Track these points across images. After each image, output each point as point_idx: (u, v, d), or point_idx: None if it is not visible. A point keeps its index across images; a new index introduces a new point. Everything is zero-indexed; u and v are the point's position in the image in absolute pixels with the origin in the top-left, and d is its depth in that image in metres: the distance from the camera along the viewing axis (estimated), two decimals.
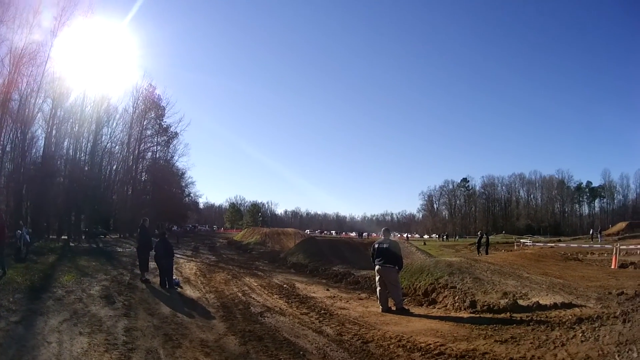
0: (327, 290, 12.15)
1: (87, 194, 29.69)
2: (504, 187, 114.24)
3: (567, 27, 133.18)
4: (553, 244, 35.26)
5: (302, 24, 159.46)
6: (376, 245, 9.63)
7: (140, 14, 49.79)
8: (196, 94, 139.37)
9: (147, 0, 52.90)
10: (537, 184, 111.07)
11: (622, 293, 9.11)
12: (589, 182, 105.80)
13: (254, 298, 10.38)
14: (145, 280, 12.30)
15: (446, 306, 9.30)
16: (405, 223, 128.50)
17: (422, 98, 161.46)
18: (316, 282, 14.08)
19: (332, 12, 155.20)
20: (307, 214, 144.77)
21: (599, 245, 28.92)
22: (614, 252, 17.96)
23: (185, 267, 17.40)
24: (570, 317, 7.10)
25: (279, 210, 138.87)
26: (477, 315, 8.26)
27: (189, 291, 11.38)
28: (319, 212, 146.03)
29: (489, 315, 8.10)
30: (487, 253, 26.04)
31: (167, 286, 11.61)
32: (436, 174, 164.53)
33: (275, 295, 10.82)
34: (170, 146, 46.72)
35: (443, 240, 71.62)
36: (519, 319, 7.46)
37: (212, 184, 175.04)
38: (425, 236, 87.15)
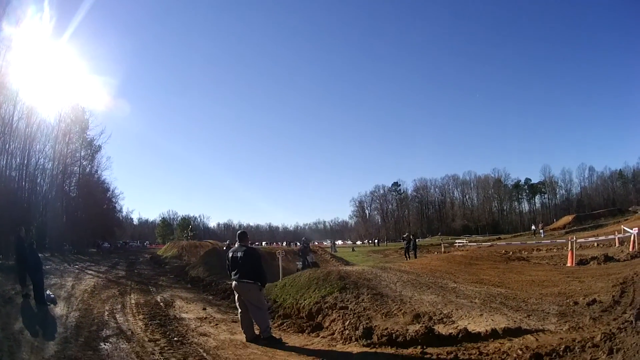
0: (204, 309, 11.11)
1: (13, 211, 28.57)
2: (437, 189, 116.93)
3: (494, 26, 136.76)
4: (491, 243, 34.24)
5: (232, 31, 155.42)
6: (230, 254, 7.87)
7: (79, 30, 46.72)
8: (127, 109, 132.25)
9: (87, 15, 51.75)
10: (472, 184, 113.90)
11: (595, 302, 7.14)
12: (527, 179, 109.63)
13: (115, 318, 9.72)
14: (25, 295, 11.79)
15: (333, 334, 7.34)
16: (338, 230, 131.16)
17: (349, 102, 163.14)
18: (201, 298, 13.26)
19: (265, 20, 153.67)
20: (240, 225, 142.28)
21: (549, 241, 27.69)
22: (570, 246, 15.78)
23: (84, 283, 16.77)
24: (519, 352, 4.84)
25: (212, 224, 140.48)
26: (372, 350, 6.11)
27: (59, 308, 11.01)
28: (251, 224, 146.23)
29: (389, 351, 5.93)
30: (415, 257, 24.55)
31: (40, 302, 11.24)
32: (367, 179, 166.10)
33: (141, 316, 9.99)
34: (95, 160, 48.74)
35: (374, 245, 72.07)
36: (435, 357, 5.29)
37: (146, 199, 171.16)
38: (358, 242, 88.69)
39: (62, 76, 40.21)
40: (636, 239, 16.61)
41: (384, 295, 8.66)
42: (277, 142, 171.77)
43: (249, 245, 8.24)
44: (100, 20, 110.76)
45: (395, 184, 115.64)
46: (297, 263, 19.80)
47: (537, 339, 5.26)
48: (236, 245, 7.97)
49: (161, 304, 11.89)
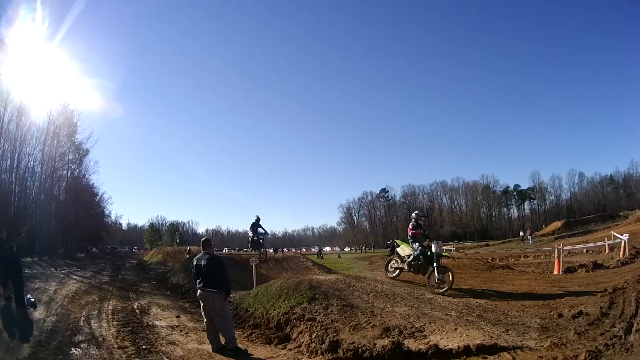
0: (178, 317, 11.10)
1: (3, 214, 29.91)
2: (425, 196, 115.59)
3: (483, 31, 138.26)
4: (475, 251, 33.77)
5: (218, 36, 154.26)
6: (194, 262, 7.82)
7: (70, 33, 48.49)
8: (117, 112, 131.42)
9: (79, 18, 53.46)
10: (460, 191, 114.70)
11: (581, 314, 6.80)
12: (516, 185, 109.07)
13: (90, 324, 9.93)
14: (7, 297, 11.97)
15: (300, 346, 7.12)
16: (326, 237, 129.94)
17: (335, 107, 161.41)
18: (178, 306, 13.16)
19: (255, 25, 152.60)
20: (229, 232, 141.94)
21: (534, 248, 27.07)
22: (556, 253, 15.43)
23: (66, 288, 16.91)
24: None
25: (200, 229, 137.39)
26: None
27: (38, 312, 11.34)
28: (240, 230, 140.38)
29: None
30: None
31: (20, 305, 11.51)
32: (355, 186, 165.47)
33: (115, 322, 10.17)
34: (83, 164, 49.18)
35: (361, 252, 71.69)
36: None
37: (135, 205, 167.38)
38: (347, 249, 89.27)
39: (53, 78, 41.15)
40: (627, 245, 16.22)
41: (355, 306, 8.39)
42: (266, 148, 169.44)
43: (213, 253, 8.16)
44: (92, 23, 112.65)
45: (383, 190, 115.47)
46: (395, 263, 12.46)
47: (514, 357, 4.96)
48: (200, 253, 7.89)
49: (137, 310, 12.10)
